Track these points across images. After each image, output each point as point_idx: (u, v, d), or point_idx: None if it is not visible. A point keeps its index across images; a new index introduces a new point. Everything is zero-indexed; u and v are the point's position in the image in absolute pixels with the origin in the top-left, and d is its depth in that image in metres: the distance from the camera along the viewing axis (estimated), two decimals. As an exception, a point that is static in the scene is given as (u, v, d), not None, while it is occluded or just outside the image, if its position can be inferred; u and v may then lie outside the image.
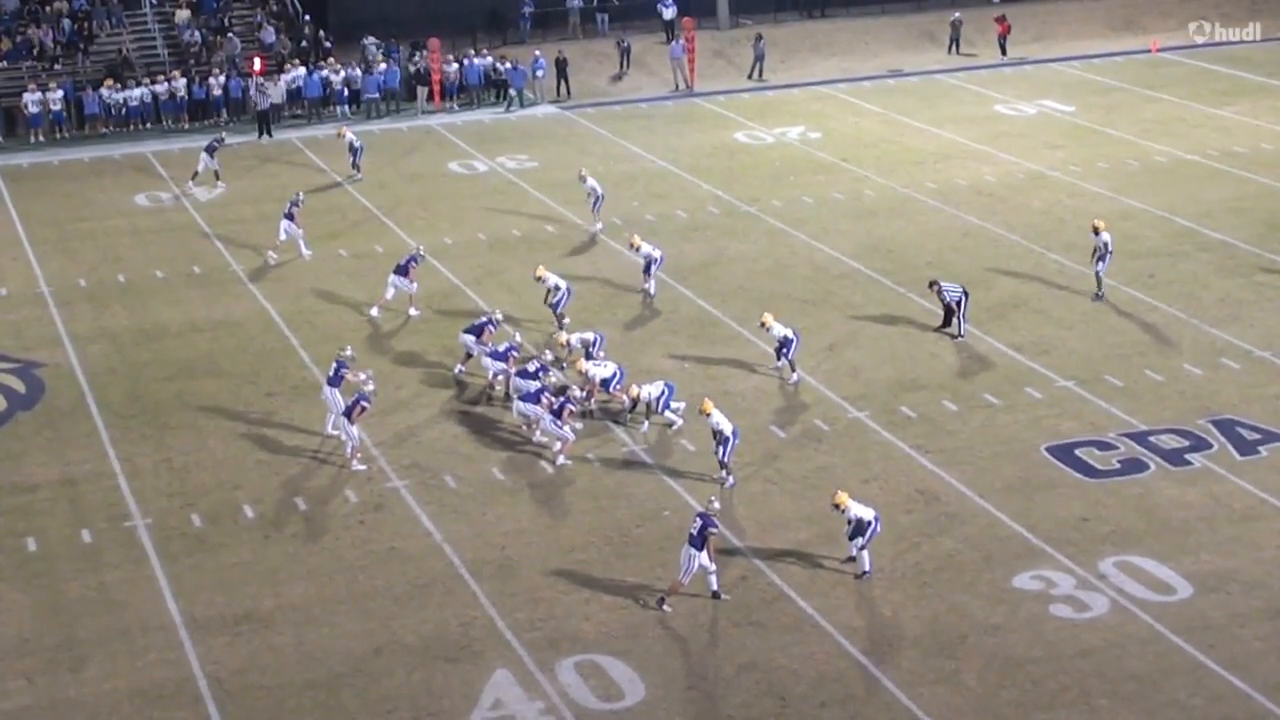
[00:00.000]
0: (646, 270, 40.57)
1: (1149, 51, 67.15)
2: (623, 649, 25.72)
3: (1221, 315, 38.17)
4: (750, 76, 64.88)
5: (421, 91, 61.35)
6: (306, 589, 27.73)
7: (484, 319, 36.12)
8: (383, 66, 61.51)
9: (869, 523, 27.47)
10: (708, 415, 30.80)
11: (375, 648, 25.92)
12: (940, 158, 52.40)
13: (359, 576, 28.09)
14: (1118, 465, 31.25)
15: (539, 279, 38.11)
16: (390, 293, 39.48)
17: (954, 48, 68.11)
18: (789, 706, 24.26)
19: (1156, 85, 61.35)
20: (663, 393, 33.26)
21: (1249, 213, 45.56)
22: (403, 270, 39.52)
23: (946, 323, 37.65)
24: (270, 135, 57.35)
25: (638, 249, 40.54)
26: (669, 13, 68.78)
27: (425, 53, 62.02)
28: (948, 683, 24.69)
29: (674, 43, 65.04)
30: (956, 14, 68.69)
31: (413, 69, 61.91)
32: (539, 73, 61.87)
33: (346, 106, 60.61)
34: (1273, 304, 38.77)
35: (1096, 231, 39.42)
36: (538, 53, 63.16)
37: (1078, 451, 31.79)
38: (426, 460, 32.29)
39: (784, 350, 35.35)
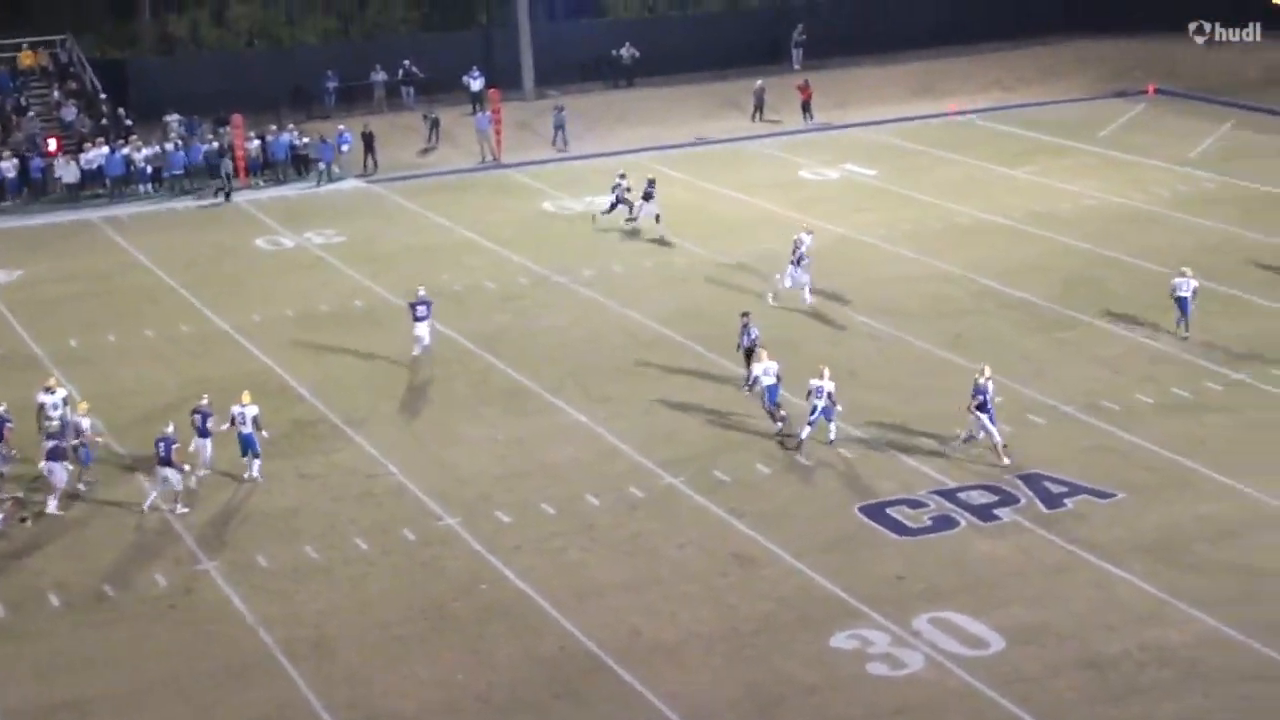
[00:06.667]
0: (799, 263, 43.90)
1: (946, 115, 68.54)
2: (442, 725, 25.45)
3: (1026, 372, 38.82)
4: (554, 146, 65.11)
5: (226, 167, 60.74)
6: (123, 675, 27.14)
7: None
8: (181, 144, 60.80)
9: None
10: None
11: (190, 734, 25.42)
12: (748, 223, 52.87)
13: (175, 661, 27.52)
14: (929, 522, 31.60)
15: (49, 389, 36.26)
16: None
17: (758, 115, 68.87)
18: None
19: (955, 147, 62.56)
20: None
21: (1049, 271, 46.47)
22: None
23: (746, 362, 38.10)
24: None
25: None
26: (476, 84, 68.88)
27: (228, 129, 61.46)
28: (769, 746, 24.71)
29: (480, 114, 65.11)
30: (759, 81, 69.54)
31: (216, 145, 61.27)
32: (344, 147, 61.58)
33: (150, 184, 59.78)
34: (1074, 360, 39.56)
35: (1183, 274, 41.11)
36: (342, 127, 62.90)
37: (890, 510, 32.10)
38: (237, 540, 31.77)
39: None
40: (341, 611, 29.06)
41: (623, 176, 53.47)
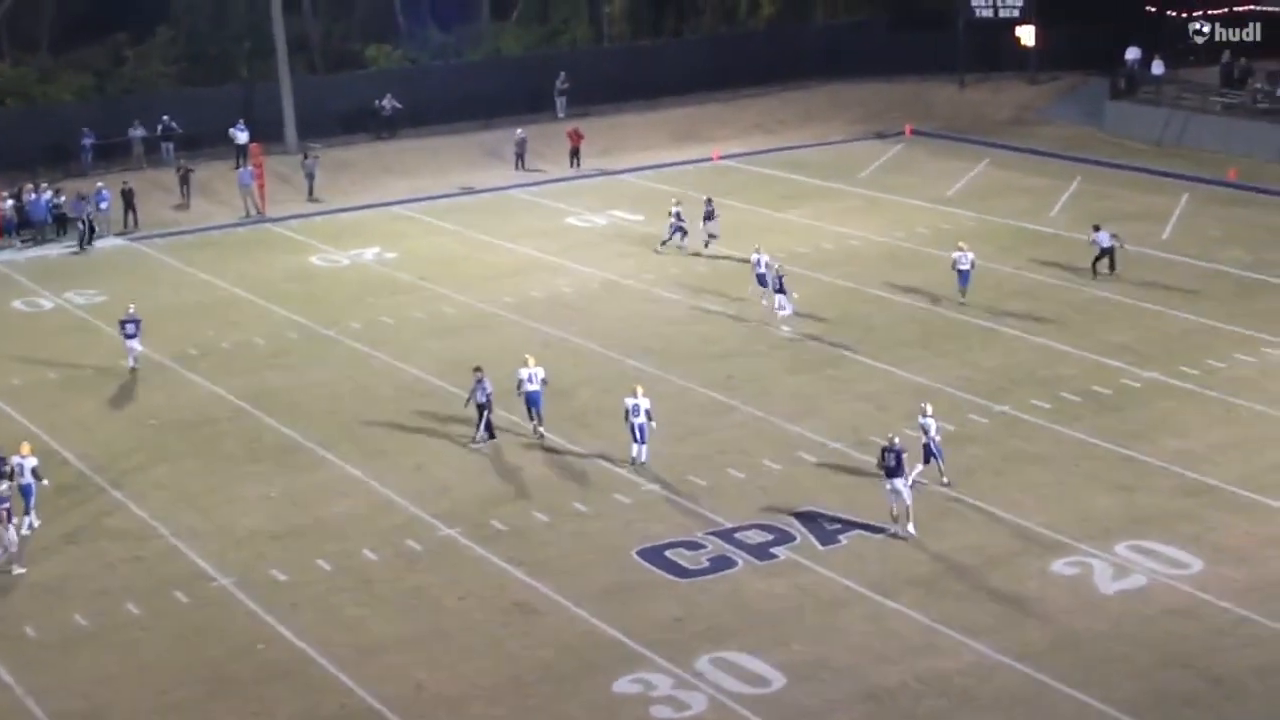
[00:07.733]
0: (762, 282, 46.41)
1: (711, 160, 69.38)
2: (222, 791, 25.03)
3: (795, 410, 39.39)
4: (311, 197, 64.62)
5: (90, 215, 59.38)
6: (-121, 758, 26.28)
7: None
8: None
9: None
10: None
11: (-43, 814, 24.67)
12: (516, 271, 52.95)
13: (-64, 740, 26.78)
14: (707, 563, 31.84)
15: None
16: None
17: (519, 164, 68.98)
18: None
19: (721, 191, 63.23)
20: None
21: (815, 310, 47.05)
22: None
23: (489, 430, 38.14)
24: None
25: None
26: (243, 137, 68.09)
27: (-19, 189, 60.14)
28: (555, 794, 24.68)
29: (242, 169, 64.41)
30: (519, 130, 69.68)
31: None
32: (103, 205, 60.48)
33: (-99, 248, 58.23)
34: (841, 397, 40.21)
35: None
36: (100, 184, 61.80)
37: (668, 553, 32.28)
38: (2, 611, 30.94)
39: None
40: (114, 679, 28.42)
41: (677, 203, 54.64)
